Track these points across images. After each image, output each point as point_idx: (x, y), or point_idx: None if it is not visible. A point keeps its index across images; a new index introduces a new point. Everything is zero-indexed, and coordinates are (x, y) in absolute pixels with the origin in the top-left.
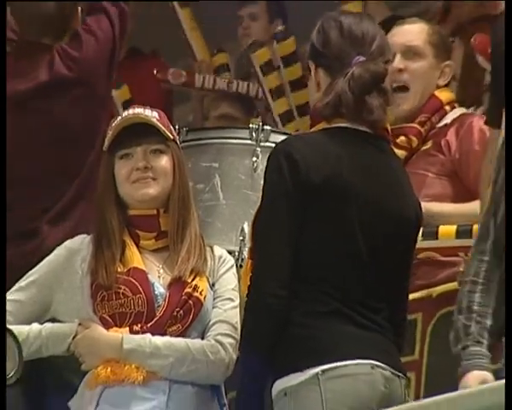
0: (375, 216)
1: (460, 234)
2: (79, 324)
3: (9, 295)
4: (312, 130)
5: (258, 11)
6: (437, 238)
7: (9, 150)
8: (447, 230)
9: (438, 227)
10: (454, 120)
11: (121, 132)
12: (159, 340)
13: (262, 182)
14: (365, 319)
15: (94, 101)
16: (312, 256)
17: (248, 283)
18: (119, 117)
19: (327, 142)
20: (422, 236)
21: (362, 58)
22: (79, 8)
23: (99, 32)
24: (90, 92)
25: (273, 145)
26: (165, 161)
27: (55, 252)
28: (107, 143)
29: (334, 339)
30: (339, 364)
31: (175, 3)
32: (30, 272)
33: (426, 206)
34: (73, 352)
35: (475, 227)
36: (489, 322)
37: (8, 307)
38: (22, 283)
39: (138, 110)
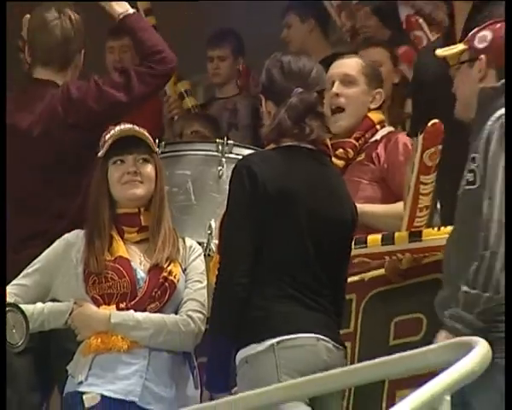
0: (319, 219)
1: (384, 241)
2: (74, 302)
3: (18, 281)
4: (266, 149)
5: (226, 53)
6: (366, 245)
7: (21, 168)
8: (374, 237)
9: (367, 236)
10: (383, 137)
11: (115, 142)
12: (140, 315)
13: (226, 187)
14: (312, 301)
15: (84, 137)
16: (270, 253)
17: (216, 273)
18: (113, 130)
19: (279, 158)
20: (354, 243)
21: (300, 90)
22: (83, 50)
23: (105, 92)
24: (80, 131)
25: (235, 156)
26: (150, 169)
27: (55, 244)
28: (103, 150)
29: (287, 317)
30: (290, 337)
31: None
32: (34, 261)
33: (360, 207)
34: (70, 326)
35: (397, 235)
36: None
37: (17, 290)
38: (29, 270)
39: (129, 126)
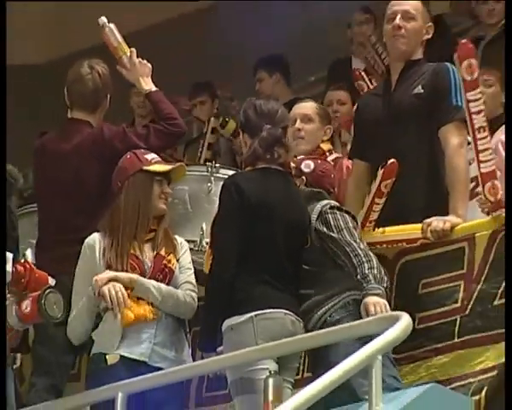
0: (288, 224)
1: None
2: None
3: (75, 299)
4: (245, 170)
5: (205, 98)
6: None
7: (58, 185)
8: None
9: None
10: (331, 161)
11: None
12: (155, 283)
13: (214, 198)
14: (282, 285)
15: (104, 167)
16: (252, 250)
17: (210, 262)
18: (158, 161)
19: (258, 177)
20: None
21: (269, 126)
22: (109, 95)
23: (129, 138)
24: (102, 163)
25: (221, 175)
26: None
27: (82, 251)
28: (154, 168)
29: (263, 297)
30: (265, 311)
31: None
32: (76, 277)
33: None
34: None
35: None
36: None
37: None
38: (77, 287)
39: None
